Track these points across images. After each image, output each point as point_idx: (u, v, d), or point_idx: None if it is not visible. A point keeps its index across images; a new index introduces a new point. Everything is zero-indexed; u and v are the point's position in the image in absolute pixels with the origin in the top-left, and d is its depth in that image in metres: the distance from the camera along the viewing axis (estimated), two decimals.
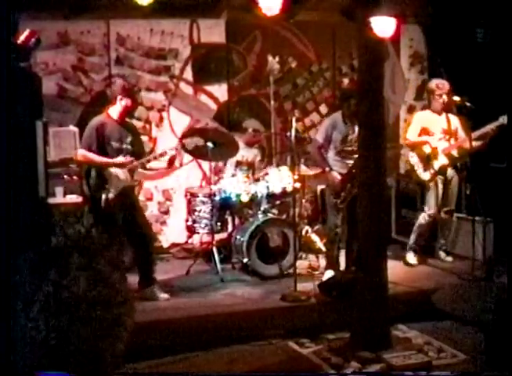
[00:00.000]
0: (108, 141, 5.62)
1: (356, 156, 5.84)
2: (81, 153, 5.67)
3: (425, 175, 6.62)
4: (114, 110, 5.69)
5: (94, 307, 1.31)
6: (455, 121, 6.64)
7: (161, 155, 5.85)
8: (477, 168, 6.35)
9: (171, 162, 5.92)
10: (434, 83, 6.63)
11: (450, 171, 6.65)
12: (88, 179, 5.61)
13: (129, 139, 5.72)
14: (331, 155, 6.21)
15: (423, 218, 6.70)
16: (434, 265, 6.71)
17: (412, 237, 6.78)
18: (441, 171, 6.59)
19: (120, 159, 5.62)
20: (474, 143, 6.31)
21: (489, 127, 6.26)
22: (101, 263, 1.40)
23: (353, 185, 5.76)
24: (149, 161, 5.83)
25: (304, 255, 6.91)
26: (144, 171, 6.07)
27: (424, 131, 6.64)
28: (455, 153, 6.60)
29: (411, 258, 6.70)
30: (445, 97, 6.47)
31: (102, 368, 1.34)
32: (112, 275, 1.39)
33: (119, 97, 5.65)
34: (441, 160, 6.58)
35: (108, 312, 1.33)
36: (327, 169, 6.19)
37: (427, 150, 6.61)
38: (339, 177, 6.06)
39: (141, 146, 5.96)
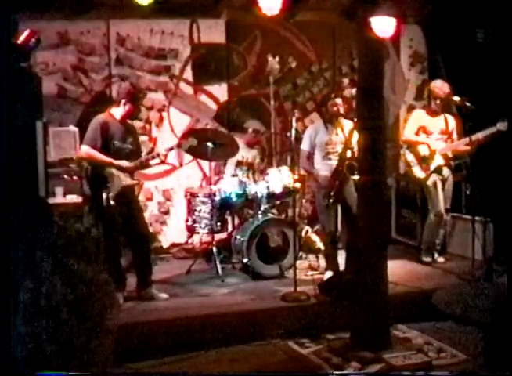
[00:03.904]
0: (111, 140, 5.60)
1: (337, 157, 5.95)
2: (85, 150, 5.58)
3: (420, 174, 6.67)
4: (117, 111, 5.67)
5: (77, 307, 1.31)
6: (452, 122, 6.70)
7: (158, 155, 5.86)
8: (477, 168, 6.36)
9: (165, 158, 5.99)
10: (436, 85, 6.65)
11: (445, 171, 6.69)
12: (88, 179, 5.59)
13: (130, 139, 5.72)
14: (318, 159, 6.23)
15: (429, 218, 6.74)
16: (433, 265, 6.72)
17: (424, 237, 6.85)
18: (437, 170, 6.64)
19: (125, 163, 5.60)
20: (464, 147, 6.43)
21: (486, 132, 6.25)
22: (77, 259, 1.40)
23: (340, 183, 5.77)
24: (147, 160, 5.83)
25: (304, 255, 6.92)
26: (144, 171, 6.08)
27: (422, 130, 6.69)
28: (449, 153, 6.64)
29: (425, 256, 6.77)
30: (438, 101, 6.54)
31: (92, 365, 1.34)
32: (95, 276, 1.39)
33: (123, 101, 5.64)
34: (437, 161, 6.62)
35: (92, 313, 1.33)
36: (315, 173, 6.19)
37: (424, 150, 6.65)
38: (328, 177, 6.05)
39: (139, 146, 5.96)
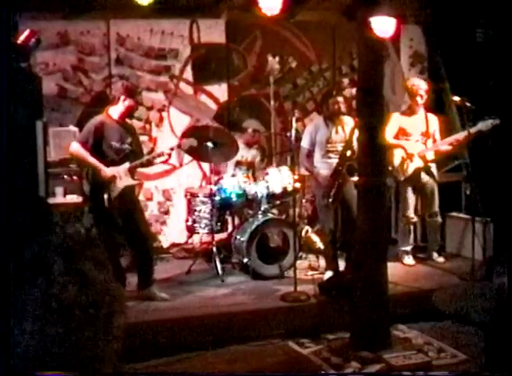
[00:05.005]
0: (108, 141, 5.58)
1: (337, 155, 5.94)
2: (75, 148, 5.55)
3: (399, 177, 6.63)
4: (115, 111, 5.65)
5: (84, 308, 1.31)
6: (434, 123, 6.62)
7: (159, 156, 5.86)
8: (477, 168, 6.36)
9: (169, 157, 5.98)
10: (414, 82, 6.59)
11: (423, 175, 6.60)
12: (89, 179, 5.58)
13: (129, 140, 5.70)
14: (318, 157, 6.23)
15: (401, 221, 6.73)
16: (433, 265, 6.71)
17: (399, 241, 6.81)
18: (415, 173, 6.56)
19: (106, 170, 5.50)
20: (444, 147, 6.47)
21: (465, 133, 6.20)
22: (88, 263, 1.39)
23: (340, 183, 5.78)
24: (149, 161, 5.83)
25: (304, 255, 6.92)
26: (144, 170, 6.06)
27: (402, 132, 6.59)
28: (430, 155, 6.57)
29: (406, 259, 6.71)
30: (419, 98, 6.47)
31: (98, 368, 1.33)
32: (99, 274, 1.39)
33: (122, 98, 5.62)
34: (415, 163, 6.55)
35: (98, 312, 1.33)
36: (315, 172, 6.19)
37: (400, 155, 6.56)
38: (328, 176, 6.04)
39: (140, 146, 5.95)
